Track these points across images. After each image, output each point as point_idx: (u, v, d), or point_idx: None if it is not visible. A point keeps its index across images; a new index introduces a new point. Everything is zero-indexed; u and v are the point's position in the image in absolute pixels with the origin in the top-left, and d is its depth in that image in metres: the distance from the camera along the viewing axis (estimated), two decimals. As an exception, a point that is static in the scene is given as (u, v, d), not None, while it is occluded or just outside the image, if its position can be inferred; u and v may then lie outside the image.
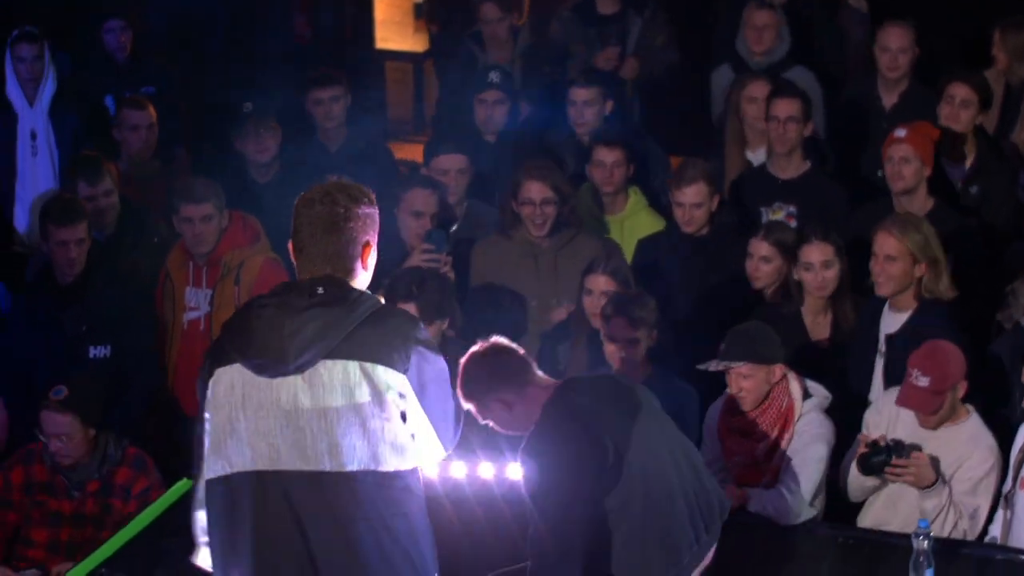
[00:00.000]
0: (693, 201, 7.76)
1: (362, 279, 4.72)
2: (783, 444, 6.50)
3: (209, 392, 4.65)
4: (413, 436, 4.61)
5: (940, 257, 7.02)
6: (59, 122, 9.03)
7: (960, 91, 8.13)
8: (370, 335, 4.55)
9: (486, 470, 5.95)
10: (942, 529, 6.28)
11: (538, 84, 9.60)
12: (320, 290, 4.58)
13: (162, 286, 7.98)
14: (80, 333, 7.74)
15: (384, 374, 4.54)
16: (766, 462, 6.53)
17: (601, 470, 5.12)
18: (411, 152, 9.63)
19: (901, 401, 6.41)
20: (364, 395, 4.53)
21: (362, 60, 10.81)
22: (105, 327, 7.75)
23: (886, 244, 7.01)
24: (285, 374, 4.54)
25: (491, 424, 5.39)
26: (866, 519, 6.63)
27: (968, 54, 9.12)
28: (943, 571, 5.80)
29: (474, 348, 5.36)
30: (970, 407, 6.50)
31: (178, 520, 6.47)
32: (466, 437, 5.02)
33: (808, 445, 6.47)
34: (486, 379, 5.17)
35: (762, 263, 7.53)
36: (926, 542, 5.74)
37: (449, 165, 8.33)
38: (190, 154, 9.42)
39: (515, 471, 5.67)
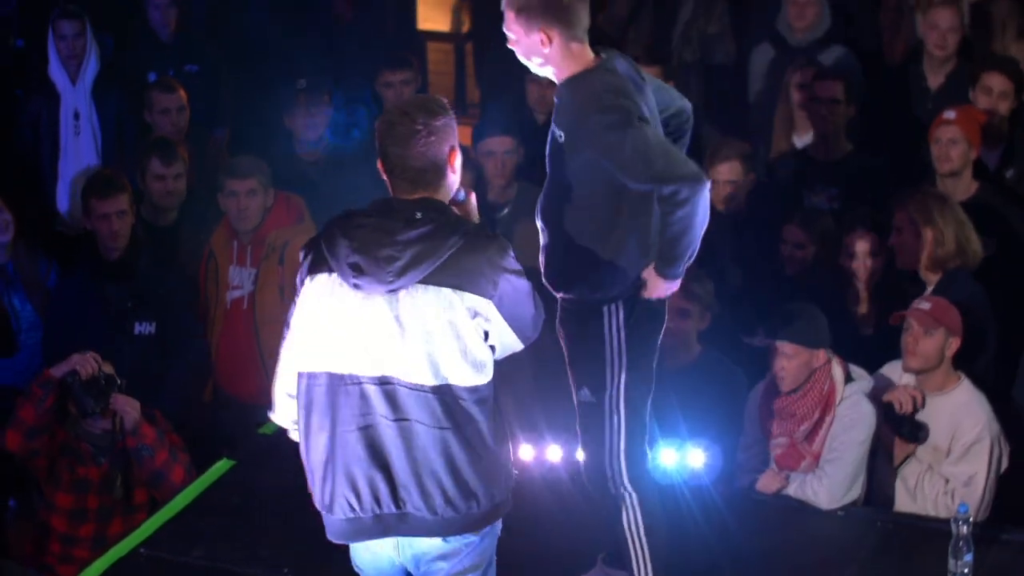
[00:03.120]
0: (726, 178, 7.86)
1: (452, 182, 4.86)
2: (824, 427, 6.48)
3: (304, 288, 4.82)
4: (492, 349, 4.81)
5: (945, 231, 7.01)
6: (102, 101, 9.01)
7: (997, 82, 8.09)
8: (463, 263, 4.71)
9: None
10: (924, 497, 6.42)
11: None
12: (418, 215, 4.71)
13: (205, 264, 7.99)
14: (125, 309, 7.76)
15: (472, 300, 4.72)
16: (807, 445, 6.51)
17: None
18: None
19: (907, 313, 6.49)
20: (451, 318, 4.71)
21: (403, 40, 10.77)
22: (151, 304, 7.76)
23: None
24: (379, 293, 4.70)
25: (518, 51, 5.17)
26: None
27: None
28: (983, 556, 5.80)
29: None
30: (961, 374, 6.55)
31: (216, 500, 6.54)
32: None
33: (849, 429, 6.44)
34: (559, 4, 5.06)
35: (795, 249, 7.55)
36: (965, 527, 5.74)
37: (496, 147, 8.30)
38: (231, 135, 9.40)
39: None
